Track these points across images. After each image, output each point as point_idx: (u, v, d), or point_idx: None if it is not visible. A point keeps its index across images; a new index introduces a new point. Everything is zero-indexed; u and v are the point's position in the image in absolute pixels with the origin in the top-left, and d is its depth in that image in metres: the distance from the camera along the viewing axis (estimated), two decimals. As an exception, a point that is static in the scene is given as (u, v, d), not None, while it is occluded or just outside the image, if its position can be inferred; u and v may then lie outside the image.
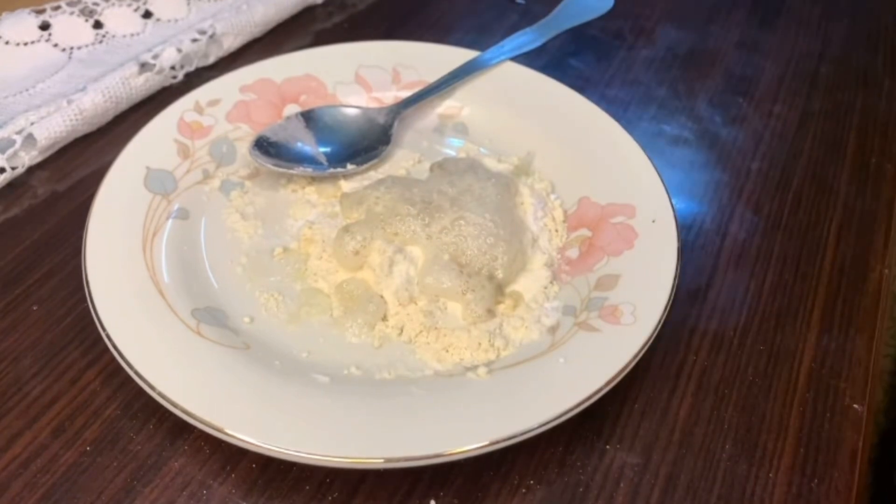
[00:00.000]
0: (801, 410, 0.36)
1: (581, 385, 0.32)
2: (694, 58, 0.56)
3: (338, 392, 0.32)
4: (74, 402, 0.34)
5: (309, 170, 0.42)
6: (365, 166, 0.43)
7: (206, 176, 0.42)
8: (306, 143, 0.43)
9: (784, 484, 0.33)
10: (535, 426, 0.31)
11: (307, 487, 0.32)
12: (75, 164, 0.45)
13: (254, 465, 0.32)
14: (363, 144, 0.44)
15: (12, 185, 0.43)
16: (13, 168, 0.43)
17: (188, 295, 0.36)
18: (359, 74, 0.47)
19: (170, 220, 0.39)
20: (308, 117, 0.44)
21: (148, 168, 0.40)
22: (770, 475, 0.33)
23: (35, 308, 0.37)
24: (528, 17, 0.57)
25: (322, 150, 0.43)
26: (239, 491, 0.32)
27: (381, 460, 0.30)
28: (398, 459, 0.30)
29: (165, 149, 0.41)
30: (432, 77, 0.47)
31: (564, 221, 0.41)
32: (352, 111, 0.45)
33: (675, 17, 0.60)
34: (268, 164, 0.41)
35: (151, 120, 0.42)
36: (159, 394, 0.31)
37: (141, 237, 0.37)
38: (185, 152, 0.42)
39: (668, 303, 0.35)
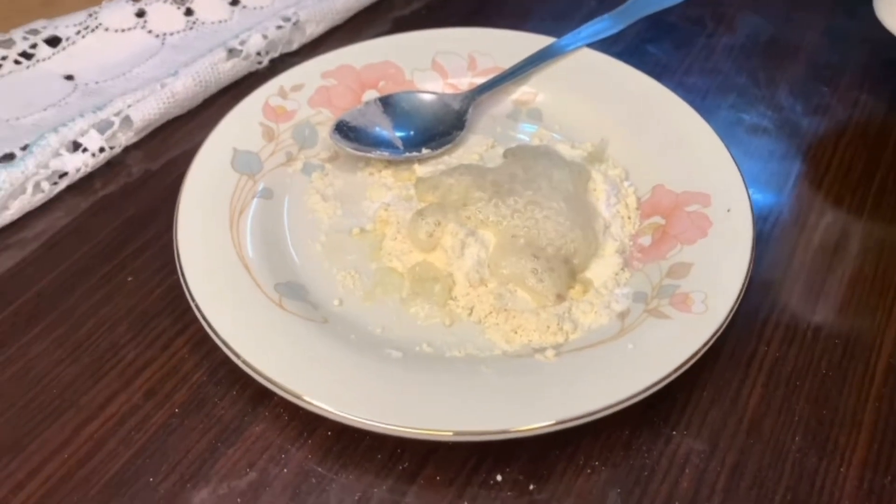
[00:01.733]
0: (876, 405, 0.35)
1: (649, 370, 0.32)
2: (776, 45, 0.55)
3: (410, 367, 0.34)
4: (165, 367, 0.36)
5: (385, 154, 0.43)
6: (439, 151, 0.44)
7: (290, 158, 0.43)
8: (384, 128, 0.44)
9: (855, 479, 0.33)
10: (601, 408, 0.31)
11: (379, 456, 0.33)
12: (167, 145, 0.47)
13: (329, 433, 0.34)
14: (438, 129, 0.45)
15: (110, 163, 0.46)
16: (111, 148, 0.46)
17: (271, 270, 0.37)
18: (435, 61, 0.48)
19: (255, 200, 0.40)
20: (386, 103, 0.45)
21: (235, 149, 0.42)
22: (841, 469, 0.33)
23: (130, 279, 0.40)
24: (606, 3, 0.57)
25: (398, 134, 0.44)
26: (315, 456, 0.33)
27: (451, 433, 0.31)
28: (467, 433, 0.31)
29: (251, 131, 0.43)
30: (507, 63, 0.47)
31: (638, 209, 0.41)
32: (428, 97, 0.46)
33: (757, 3, 0.59)
34: (347, 148, 0.42)
35: (238, 104, 0.44)
36: (243, 362, 0.33)
37: (228, 215, 0.39)
38: (269, 135, 0.43)
39: (740, 292, 0.35)
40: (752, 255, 0.36)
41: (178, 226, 0.38)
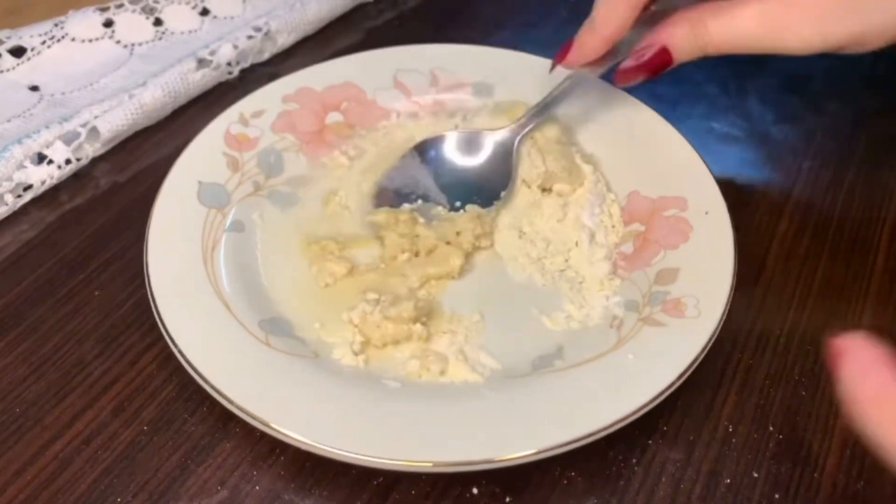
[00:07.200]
0: (848, 411, 0.35)
1: (654, 380, 0.32)
2: (745, 55, 0.55)
3: (402, 396, 0.34)
4: (133, 383, 0.36)
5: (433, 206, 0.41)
6: (490, 208, 0.41)
7: (257, 188, 0.42)
8: (426, 184, 0.42)
9: (829, 485, 0.33)
10: (614, 422, 0.31)
11: (353, 472, 0.33)
12: (135, 156, 0.46)
13: (301, 449, 0.33)
14: (486, 179, 0.42)
15: (77, 175, 0.45)
16: (78, 159, 0.45)
17: (251, 307, 0.36)
18: (397, 79, 0.47)
19: (225, 234, 0.39)
20: (422, 154, 0.43)
21: (200, 183, 0.40)
22: (815, 475, 0.33)
23: (97, 293, 0.39)
24: (577, 13, 0.57)
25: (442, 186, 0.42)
26: (287, 473, 0.33)
27: (430, 464, 0.31)
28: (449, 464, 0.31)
29: (215, 162, 0.42)
30: (471, 78, 0.47)
31: (621, 217, 0.41)
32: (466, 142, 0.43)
33: (727, 13, 0.59)
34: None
35: (198, 135, 0.42)
36: (239, 408, 0.32)
37: (200, 252, 0.38)
38: (234, 165, 0.42)
39: (730, 294, 0.35)
40: (736, 254, 0.37)
41: (150, 268, 0.36)
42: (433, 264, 0.39)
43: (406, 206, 0.41)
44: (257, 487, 0.32)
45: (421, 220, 0.40)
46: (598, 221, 0.41)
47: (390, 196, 0.42)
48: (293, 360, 0.34)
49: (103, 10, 0.51)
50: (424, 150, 0.43)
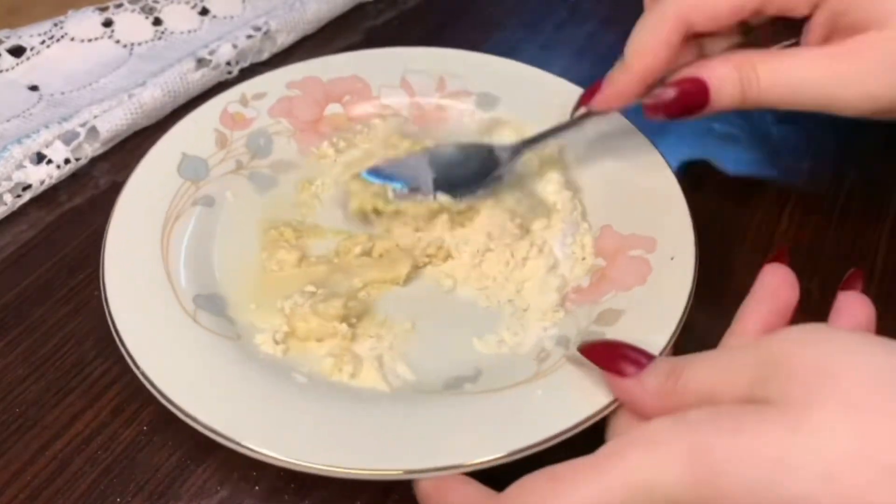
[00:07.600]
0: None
1: (548, 423, 0.31)
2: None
3: (313, 396, 0.33)
4: (133, 383, 0.35)
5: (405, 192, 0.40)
6: (460, 200, 0.40)
7: (239, 166, 0.42)
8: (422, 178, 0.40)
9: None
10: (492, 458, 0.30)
11: (353, 472, 0.33)
12: (135, 156, 0.46)
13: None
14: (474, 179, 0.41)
15: (76, 175, 0.45)
16: (77, 159, 0.45)
17: (195, 280, 0.36)
18: (405, 79, 0.47)
19: (194, 207, 0.39)
20: (432, 154, 0.41)
21: (184, 154, 0.41)
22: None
23: (97, 293, 0.39)
24: (577, 14, 0.57)
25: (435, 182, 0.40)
26: (287, 474, 0.33)
27: (401, 471, 0.30)
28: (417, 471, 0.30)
29: (204, 137, 0.42)
30: (476, 87, 0.46)
31: (593, 249, 0.39)
32: (474, 148, 0.42)
33: (727, 13, 0.59)
34: (373, 180, 0.40)
35: (197, 108, 0.43)
36: (143, 374, 0.32)
37: (162, 220, 0.38)
38: (222, 142, 0.42)
39: (666, 347, 0.33)
40: (686, 307, 0.34)
41: (110, 227, 0.37)
42: (381, 268, 0.38)
43: (388, 184, 0.40)
44: (257, 487, 0.32)
45: (390, 195, 0.39)
46: (568, 252, 0.39)
47: (381, 173, 0.40)
48: (214, 339, 0.34)
49: (103, 9, 0.51)
50: (432, 151, 0.42)
